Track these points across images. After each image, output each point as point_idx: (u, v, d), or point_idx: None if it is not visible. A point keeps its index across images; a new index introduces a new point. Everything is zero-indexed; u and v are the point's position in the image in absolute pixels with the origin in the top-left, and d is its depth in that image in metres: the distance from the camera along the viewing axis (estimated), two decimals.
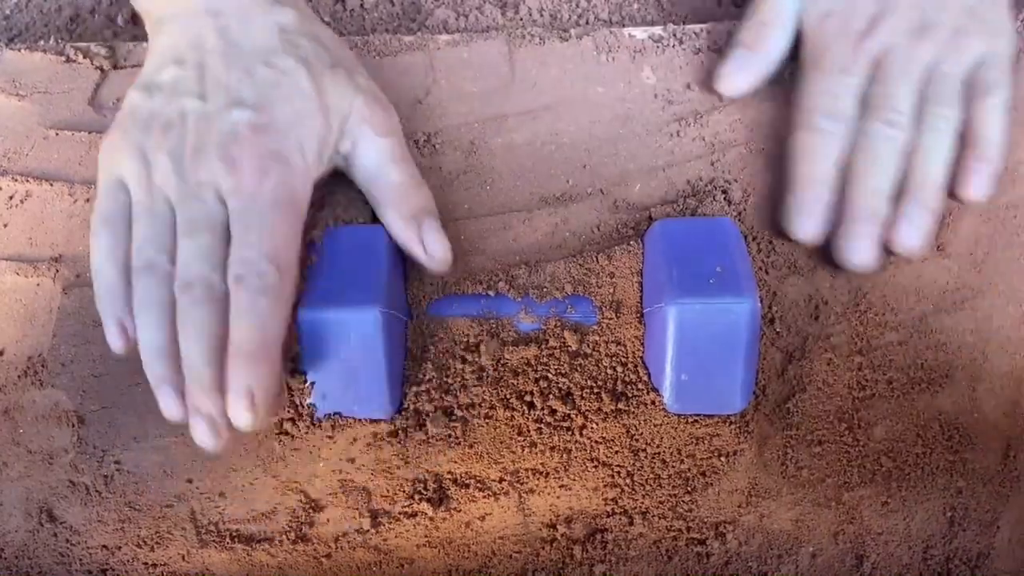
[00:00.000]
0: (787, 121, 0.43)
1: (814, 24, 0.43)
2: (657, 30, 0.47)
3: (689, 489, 0.40)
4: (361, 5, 0.51)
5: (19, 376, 0.42)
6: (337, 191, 0.43)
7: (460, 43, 0.46)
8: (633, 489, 0.40)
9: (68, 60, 0.47)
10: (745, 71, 0.44)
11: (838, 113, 0.41)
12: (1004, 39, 0.42)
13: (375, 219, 0.42)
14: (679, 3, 0.51)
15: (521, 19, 0.50)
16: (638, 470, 0.40)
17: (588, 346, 0.41)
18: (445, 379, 0.41)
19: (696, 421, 0.40)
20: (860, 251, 0.40)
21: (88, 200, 0.44)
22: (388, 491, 0.40)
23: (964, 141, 0.41)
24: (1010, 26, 0.42)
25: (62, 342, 0.42)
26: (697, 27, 0.47)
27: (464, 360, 0.41)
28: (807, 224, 0.41)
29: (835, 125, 0.41)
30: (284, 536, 0.40)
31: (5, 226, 0.44)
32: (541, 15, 0.50)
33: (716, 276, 0.38)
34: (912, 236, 0.40)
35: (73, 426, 0.41)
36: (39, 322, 0.42)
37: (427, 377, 0.41)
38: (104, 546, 0.40)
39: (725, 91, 0.44)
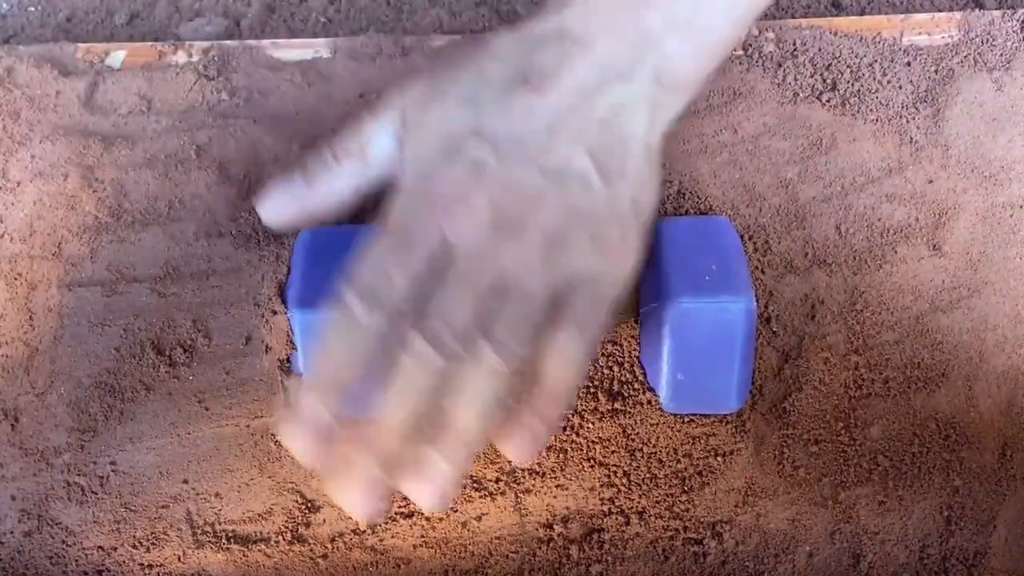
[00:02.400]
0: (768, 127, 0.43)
1: (398, 177, 0.35)
2: None
3: (686, 489, 0.40)
4: (351, 4, 0.51)
5: (16, 376, 0.42)
6: None
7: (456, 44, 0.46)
8: (630, 489, 0.40)
9: (65, 60, 0.47)
10: (286, 204, 0.38)
11: (383, 301, 0.32)
12: (615, 263, 0.34)
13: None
14: None
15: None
16: (634, 470, 0.40)
17: None
18: None
19: (692, 421, 0.40)
20: (348, 502, 0.33)
21: (86, 200, 0.44)
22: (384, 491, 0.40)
23: (526, 379, 0.33)
24: (631, 250, 0.34)
25: (60, 342, 0.42)
26: None
27: None
28: (298, 441, 0.33)
29: (373, 317, 0.32)
30: (280, 537, 0.40)
31: (3, 226, 0.44)
32: None
33: (712, 275, 0.38)
34: (428, 491, 0.32)
35: (69, 427, 0.41)
36: (37, 322, 0.42)
37: None
38: (100, 547, 0.40)
39: (263, 217, 0.39)
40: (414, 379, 0.32)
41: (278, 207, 0.38)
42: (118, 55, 0.47)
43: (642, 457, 0.40)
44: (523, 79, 0.34)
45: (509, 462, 0.40)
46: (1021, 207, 0.44)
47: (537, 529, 0.40)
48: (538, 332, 0.32)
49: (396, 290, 0.32)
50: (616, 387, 0.40)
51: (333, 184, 0.37)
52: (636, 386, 0.40)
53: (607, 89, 0.34)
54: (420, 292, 0.32)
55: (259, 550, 0.40)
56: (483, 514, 0.40)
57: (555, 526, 0.40)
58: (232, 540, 0.40)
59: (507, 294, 0.32)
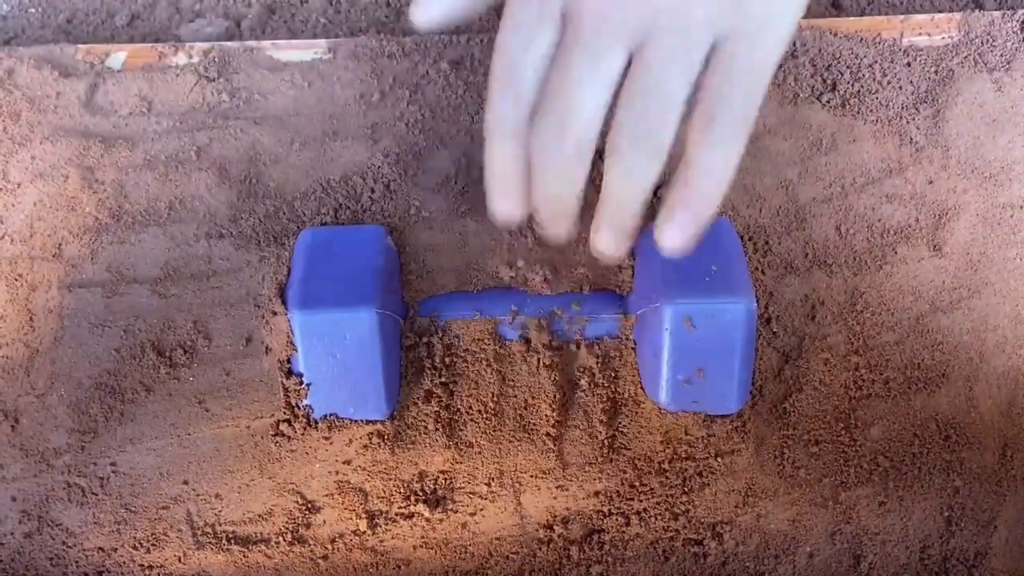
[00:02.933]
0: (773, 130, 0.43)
1: None
2: None
3: (686, 489, 0.40)
4: (351, 5, 0.51)
5: (16, 377, 0.42)
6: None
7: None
8: (630, 489, 0.40)
9: (65, 62, 0.47)
10: (438, 2, 0.34)
11: (519, 93, 0.30)
12: (759, 24, 0.29)
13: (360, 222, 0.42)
14: None
15: None
16: (634, 470, 0.40)
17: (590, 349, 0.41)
18: (441, 380, 0.41)
19: (693, 421, 0.39)
20: (598, 243, 0.33)
21: (86, 201, 0.44)
22: (385, 492, 0.40)
23: (676, 167, 0.31)
24: (779, 9, 0.29)
25: (60, 344, 0.42)
26: None
27: (462, 360, 0.41)
28: (498, 218, 0.32)
29: (515, 110, 0.31)
30: (280, 538, 0.40)
31: (3, 227, 0.44)
32: None
33: (712, 276, 0.38)
34: (598, 249, 0.32)
35: (69, 428, 0.41)
36: (38, 323, 0.42)
37: (423, 378, 0.41)
38: (100, 548, 0.40)
39: (415, 20, 0.34)
40: (553, 165, 0.30)
41: (427, 7, 0.33)
42: (118, 56, 0.47)
43: (642, 458, 0.40)
44: None
45: (510, 463, 0.40)
46: (1021, 208, 0.44)
47: (537, 530, 0.40)
48: (683, 111, 0.29)
49: (527, 79, 0.30)
50: (616, 388, 0.40)
51: None
52: (636, 387, 0.40)
53: None
54: (548, 79, 0.30)
55: (259, 551, 0.40)
56: (483, 515, 0.40)
57: (555, 527, 0.40)
58: (232, 541, 0.40)
59: (638, 77, 0.29)
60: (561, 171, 0.31)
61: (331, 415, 0.40)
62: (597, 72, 0.29)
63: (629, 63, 0.29)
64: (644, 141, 0.29)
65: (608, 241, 0.32)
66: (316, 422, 0.40)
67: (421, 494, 0.40)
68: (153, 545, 0.40)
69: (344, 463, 0.40)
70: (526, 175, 0.31)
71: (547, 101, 0.30)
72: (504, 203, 0.32)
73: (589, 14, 0.28)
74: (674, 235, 0.31)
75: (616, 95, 0.30)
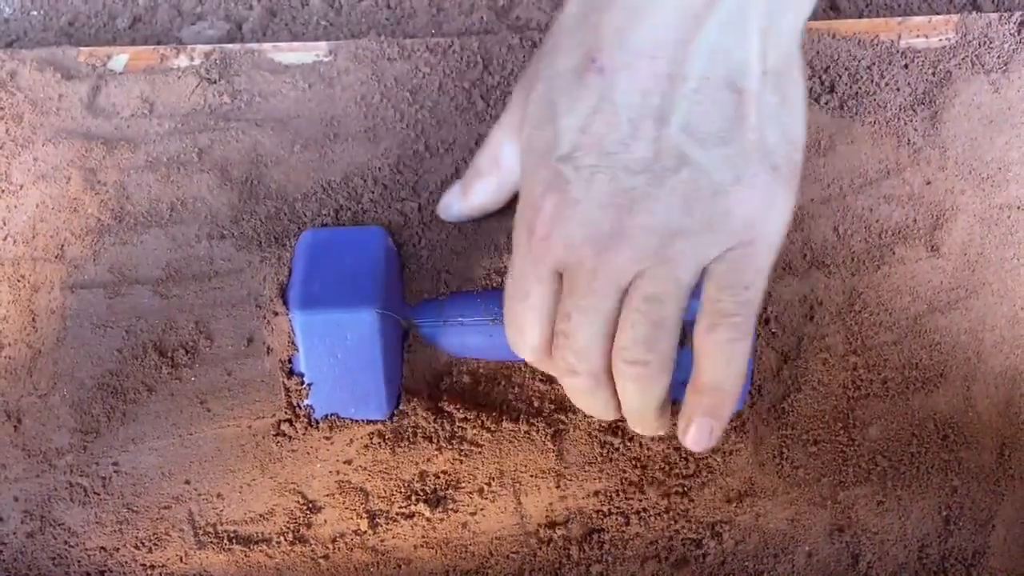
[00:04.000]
0: None
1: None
2: None
3: (685, 489, 0.40)
4: (352, 7, 0.52)
5: (19, 378, 0.42)
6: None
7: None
8: (629, 489, 0.40)
9: (67, 64, 0.47)
10: (456, 209, 0.41)
11: (529, 344, 0.35)
12: (756, 230, 0.31)
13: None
14: None
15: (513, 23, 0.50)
16: (634, 470, 0.40)
17: None
18: (442, 380, 0.41)
19: None
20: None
21: (89, 203, 0.44)
22: (385, 492, 0.40)
23: (691, 376, 0.33)
24: (780, 207, 0.32)
25: (62, 344, 0.42)
26: None
27: (461, 360, 0.41)
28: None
29: (529, 355, 0.35)
30: (282, 537, 0.40)
31: (6, 228, 0.44)
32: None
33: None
34: (645, 436, 0.37)
35: (71, 428, 0.41)
36: (40, 324, 0.43)
37: (424, 378, 0.41)
38: (102, 548, 0.40)
39: (442, 216, 0.42)
40: (581, 399, 0.35)
41: (448, 211, 0.42)
42: (120, 58, 0.47)
43: (641, 457, 0.40)
44: (589, 58, 0.31)
45: (510, 462, 0.40)
46: (1019, 208, 0.44)
47: (538, 529, 0.40)
48: (679, 329, 0.32)
49: (534, 332, 0.34)
50: None
51: (483, 192, 0.40)
52: None
53: (693, 29, 0.29)
54: (556, 323, 0.33)
55: (261, 550, 0.40)
56: (484, 515, 0.40)
57: (555, 526, 0.40)
58: (234, 540, 0.40)
59: (630, 307, 0.31)
60: (585, 398, 0.35)
61: (332, 415, 0.40)
62: (595, 316, 0.32)
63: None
64: (643, 368, 0.32)
65: (645, 433, 0.36)
66: (317, 422, 0.40)
67: (422, 494, 0.40)
68: (155, 545, 0.40)
69: (345, 463, 0.40)
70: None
71: (557, 344, 0.33)
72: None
73: (582, 273, 0.31)
74: (696, 438, 0.34)
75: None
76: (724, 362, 0.32)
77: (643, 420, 0.35)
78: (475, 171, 0.40)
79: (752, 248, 0.31)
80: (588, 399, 0.35)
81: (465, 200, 0.41)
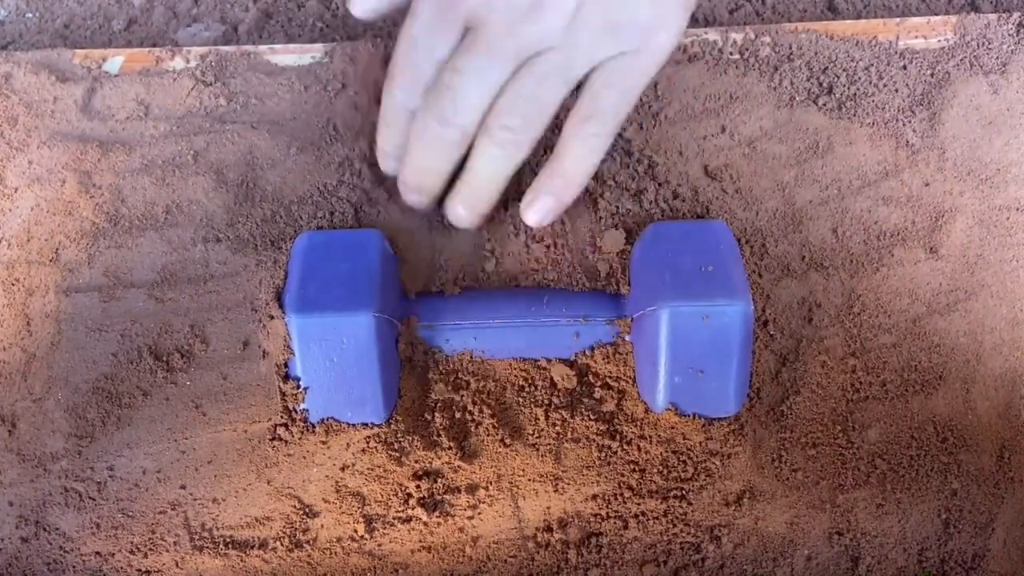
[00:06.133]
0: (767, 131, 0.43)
1: None
2: None
3: (684, 492, 0.40)
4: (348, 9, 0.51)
5: (13, 382, 0.42)
6: None
7: None
8: (627, 492, 0.40)
9: (62, 66, 0.47)
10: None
11: (416, 87, 0.36)
12: (647, 43, 0.35)
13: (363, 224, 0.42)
14: None
15: None
16: (632, 473, 0.40)
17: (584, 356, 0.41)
18: (439, 383, 0.41)
19: (690, 424, 0.39)
20: (408, 215, 0.40)
21: (84, 206, 0.44)
22: (382, 496, 0.40)
23: (549, 159, 0.37)
24: (669, 29, 0.35)
25: (57, 348, 0.42)
26: None
27: (459, 364, 0.41)
28: (383, 168, 0.41)
29: (412, 101, 0.36)
30: (278, 542, 0.40)
31: (0, 231, 0.44)
32: None
33: (709, 278, 0.38)
34: (460, 219, 0.39)
35: (66, 433, 0.41)
36: (35, 328, 0.42)
37: (421, 382, 0.41)
38: (97, 553, 0.40)
39: (352, 10, 0.41)
40: (429, 150, 0.36)
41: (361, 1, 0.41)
42: (116, 61, 0.47)
43: (639, 461, 0.40)
44: None
45: (507, 466, 0.40)
46: (1017, 210, 0.44)
47: (535, 533, 0.40)
48: (553, 116, 0.34)
49: (426, 77, 0.35)
50: (613, 391, 0.40)
51: None
52: (633, 390, 0.40)
53: None
54: (442, 74, 0.35)
55: (257, 555, 0.40)
56: (481, 519, 0.40)
57: (553, 530, 0.40)
58: (230, 545, 0.40)
59: (522, 79, 0.34)
60: (438, 151, 0.36)
61: (328, 419, 0.40)
62: (488, 77, 0.34)
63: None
64: (511, 135, 0.35)
65: (460, 213, 0.38)
66: (313, 426, 0.40)
67: (419, 498, 0.40)
68: (150, 550, 0.40)
69: (342, 467, 0.40)
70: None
71: (439, 92, 0.35)
72: (389, 164, 0.39)
73: (491, 29, 0.33)
74: (535, 212, 0.37)
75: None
76: (585, 152, 0.36)
77: (476, 196, 0.37)
78: None
79: (640, 57, 0.35)
80: (434, 157, 0.36)
81: None
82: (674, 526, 0.40)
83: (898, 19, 0.48)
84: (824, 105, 0.45)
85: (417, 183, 0.38)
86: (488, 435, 0.40)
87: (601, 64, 0.34)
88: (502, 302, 0.42)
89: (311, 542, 0.40)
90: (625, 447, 0.40)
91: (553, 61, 0.34)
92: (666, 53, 0.36)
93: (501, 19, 0.33)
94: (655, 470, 0.40)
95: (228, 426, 0.41)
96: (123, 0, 0.53)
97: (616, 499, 0.40)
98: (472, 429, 0.40)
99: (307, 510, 0.40)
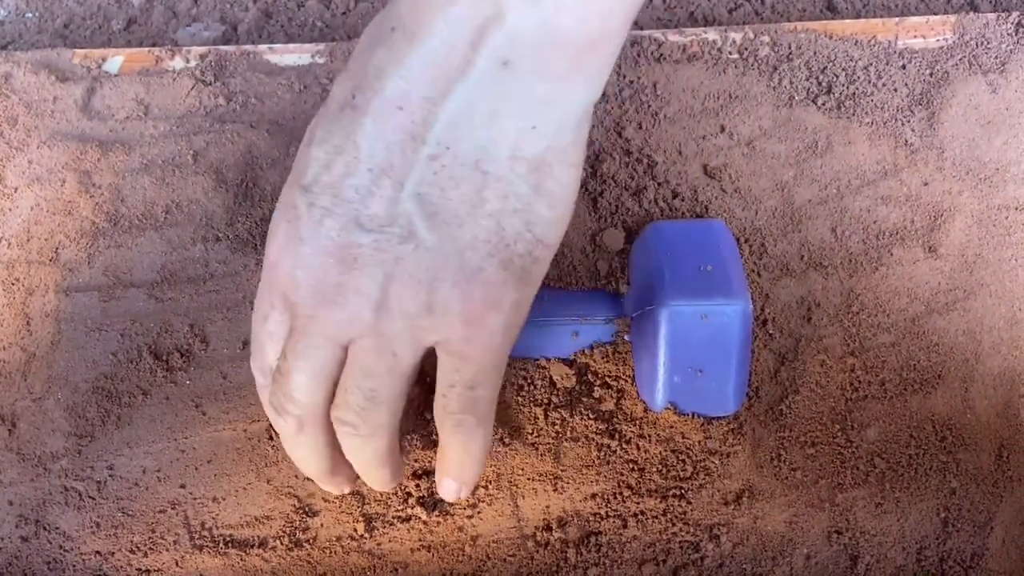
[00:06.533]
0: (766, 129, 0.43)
1: None
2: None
3: (683, 491, 0.40)
4: (348, 9, 0.51)
5: (13, 381, 0.42)
6: None
7: None
8: (626, 491, 0.40)
9: (62, 66, 0.47)
10: None
11: (264, 369, 0.33)
12: (478, 321, 0.29)
13: None
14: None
15: None
16: (631, 472, 0.40)
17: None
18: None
19: (689, 423, 0.40)
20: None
21: (83, 205, 0.44)
22: (382, 495, 0.40)
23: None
24: (502, 303, 0.30)
25: (57, 348, 0.42)
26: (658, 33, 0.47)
27: None
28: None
29: (264, 381, 0.33)
30: (278, 541, 0.40)
31: (0, 231, 0.44)
32: None
33: (708, 278, 0.38)
34: (374, 485, 0.36)
35: (66, 432, 0.41)
36: (35, 327, 0.42)
37: (420, 381, 0.41)
38: (97, 552, 0.40)
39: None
40: (287, 443, 0.34)
41: None
42: (115, 60, 0.47)
43: (638, 460, 0.40)
44: (351, 93, 0.28)
45: (507, 465, 0.40)
46: (1016, 209, 0.44)
47: (534, 532, 0.40)
48: (397, 403, 0.31)
49: (271, 357, 0.32)
50: (612, 390, 0.40)
51: None
52: (632, 389, 0.40)
53: (443, 89, 0.27)
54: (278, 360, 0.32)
55: (257, 554, 0.40)
56: (481, 518, 0.40)
57: (552, 529, 0.40)
58: (230, 544, 0.40)
59: (351, 366, 0.30)
60: (290, 445, 0.34)
61: None
62: (310, 364, 0.30)
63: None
64: (352, 429, 0.31)
65: (373, 483, 0.35)
66: None
67: (418, 497, 0.40)
68: (150, 549, 0.40)
69: None
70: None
71: (273, 377, 0.32)
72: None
73: (301, 318, 0.30)
74: (445, 492, 0.35)
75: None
76: (459, 446, 0.32)
77: (365, 474, 0.34)
78: None
79: (472, 345, 0.30)
80: (290, 444, 0.33)
81: None
82: (673, 525, 0.40)
83: (897, 19, 0.48)
84: (823, 105, 0.46)
85: (304, 465, 0.35)
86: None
87: (440, 353, 0.30)
88: None
89: (311, 541, 0.40)
90: (624, 446, 0.40)
91: (371, 350, 0.29)
92: (503, 336, 0.31)
93: (308, 304, 0.29)
94: (654, 469, 0.40)
95: (228, 425, 0.41)
96: (123, 0, 0.53)
97: (615, 498, 0.40)
98: None
99: (307, 509, 0.40)
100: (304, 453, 0.34)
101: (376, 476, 0.34)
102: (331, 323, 0.29)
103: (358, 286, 0.29)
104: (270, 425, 0.40)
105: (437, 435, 0.40)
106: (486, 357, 0.30)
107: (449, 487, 0.35)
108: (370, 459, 0.33)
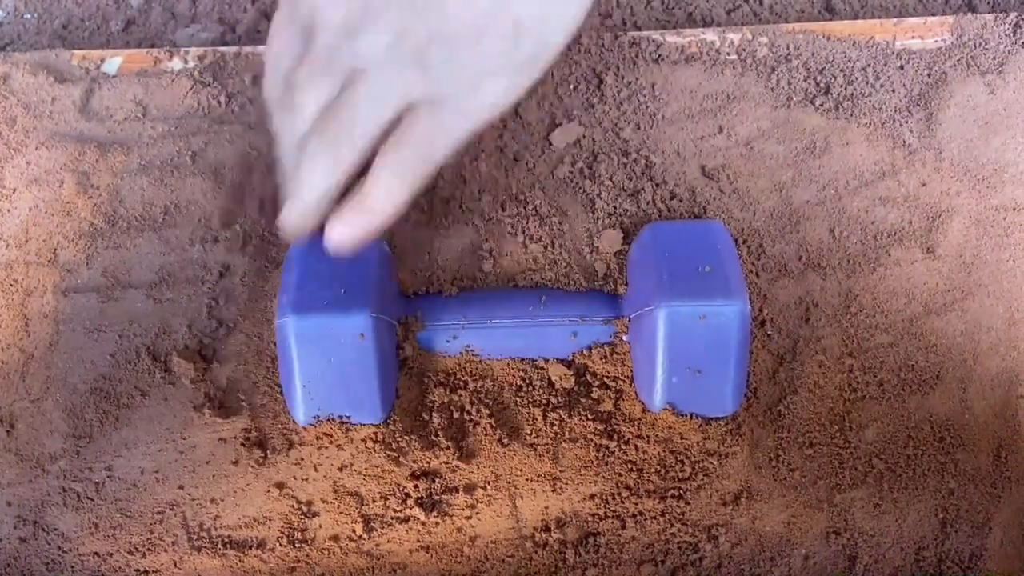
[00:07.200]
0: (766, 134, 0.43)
1: None
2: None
3: (681, 492, 0.40)
4: None
5: (11, 382, 0.42)
6: None
7: None
8: (625, 492, 0.40)
9: (60, 67, 0.47)
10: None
11: (273, 102, 0.36)
12: (475, 93, 0.33)
13: None
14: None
15: None
16: (629, 473, 0.40)
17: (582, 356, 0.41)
18: (436, 383, 0.41)
19: (688, 423, 0.40)
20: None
21: (82, 206, 0.44)
22: (380, 496, 0.40)
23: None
24: (499, 88, 0.33)
25: (55, 348, 0.42)
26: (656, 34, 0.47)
27: (457, 364, 0.41)
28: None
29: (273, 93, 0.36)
30: (276, 542, 0.40)
31: (0, 232, 0.44)
32: None
33: (706, 278, 0.38)
34: (287, 227, 0.36)
35: (64, 433, 0.41)
36: (33, 328, 0.42)
37: (418, 382, 0.41)
38: (96, 553, 0.40)
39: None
40: (287, 135, 0.35)
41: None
42: (114, 62, 0.47)
43: (637, 460, 0.40)
44: None
45: (505, 466, 0.40)
46: (1014, 209, 0.44)
47: (533, 533, 0.40)
48: (373, 140, 0.33)
49: (280, 76, 0.35)
50: (611, 390, 0.40)
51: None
52: (631, 389, 0.40)
53: None
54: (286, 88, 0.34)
55: (255, 555, 0.40)
56: (479, 519, 0.40)
57: (551, 530, 0.40)
58: (228, 545, 0.40)
59: (344, 94, 0.33)
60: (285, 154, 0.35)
61: (327, 419, 0.40)
62: (320, 89, 0.33)
63: None
64: (326, 153, 0.33)
65: (289, 221, 0.35)
66: (312, 426, 0.40)
67: (416, 498, 0.40)
68: (149, 550, 0.40)
69: (340, 467, 0.40)
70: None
71: (284, 103, 0.35)
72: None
73: (319, 40, 0.33)
74: (339, 233, 0.35)
75: None
76: (381, 186, 0.34)
77: (299, 206, 0.35)
78: None
79: (465, 104, 0.33)
80: (288, 156, 0.35)
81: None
82: (672, 526, 0.40)
83: (895, 20, 0.48)
84: (821, 105, 0.46)
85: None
86: (486, 435, 0.40)
87: (413, 107, 0.33)
88: (500, 302, 0.42)
89: (309, 542, 0.40)
90: (623, 447, 0.40)
91: (367, 81, 0.32)
92: (487, 111, 0.33)
93: (330, 31, 0.33)
94: (653, 470, 0.40)
95: (226, 426, 0.41)
96: (121, 1, 0.53)
97: (614, 499, 0.40)
98: (470, 429, 0.40)
99: (305, 510, 0.40)
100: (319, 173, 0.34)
101: (309, 211, 0.35)
102: (344, 52, 0.32)
103: (390, 19, 0.31)
104: (269, 426, 0.40)
105: (436, 434, 0.40)
106: (462, 119, 0.33)
107: (344, 230, 0.34)
108: (320, 190, 0.34)
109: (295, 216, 0.35)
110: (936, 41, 0.47)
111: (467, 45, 0.32)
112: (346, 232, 0.34)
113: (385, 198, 0.34)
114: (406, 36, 0.32)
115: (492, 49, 0.32)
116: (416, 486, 0.40)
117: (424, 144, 0.33)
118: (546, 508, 0.40)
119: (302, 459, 0.40)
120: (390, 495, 0.40)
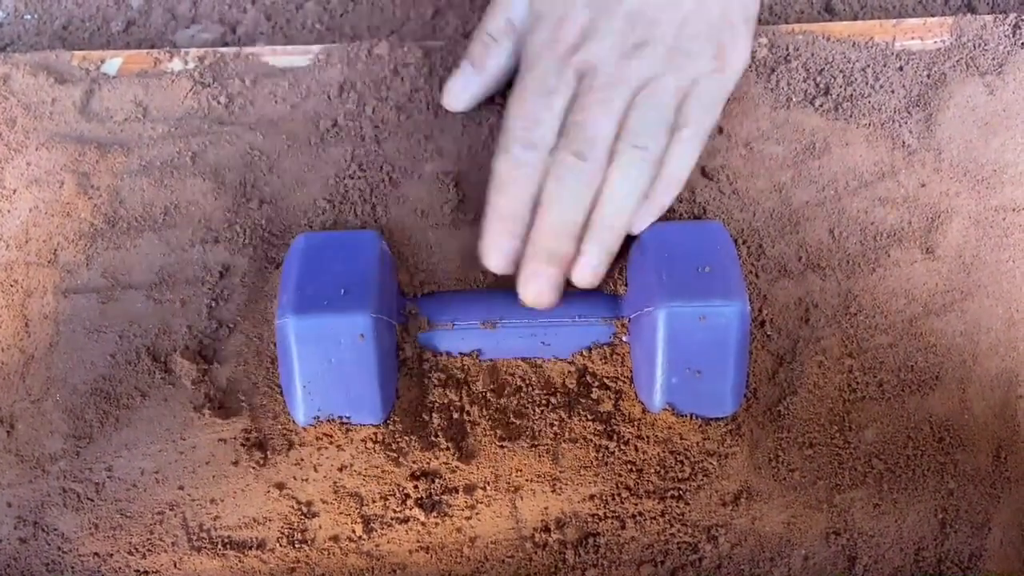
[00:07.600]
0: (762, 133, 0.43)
1: (527, 36, 0.41)
2: None
3: (681, 492, 0.40)
4: (346, 11, 0.52)
5: (11, 383, 0.42)
6: None
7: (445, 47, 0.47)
8: (624, 493, 0.40)
9: (60, 68, 0.47)
10: (468, 90, 0.43)
11: (536, 141, 0.39)
12: (727, 62, 0.40)
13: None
14: None
15: None
16: (629, 474, 0.40)
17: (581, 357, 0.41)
18: (436, 384, 0.41)
19: (687, 424, 0.40)
20: (530, 292, 0.39)
21: (82, 207, 0.44)
22: (380, 496, 0.40)
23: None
24: (741, 50, 0.41)
25: (55, 349, 0.42)
26: None
27: (456, 365, 0.41)
28: (494, 259, 0.40)
29: (531, 155, 0.39)
30: (276, 543, 0.40)
31: (0, 232, 0.44)
32: None
33: (706, 279, 0.38)
34: (585, 275, 0.40)
35: (64, 433, 0.41)
36: (33, 329, 0.42)
37: (418, 382, 0.41)
38: (96, 553, 0.40)
39: (449, 106, 0.44)
40: (568, 188, 0.38)
41: (459, 95, 0.44)
42: (114, 62, 0.47)
43: (636, 461, 0.40)
44: None
45: (505, 466, 0.40)
46: (1013, 211, 0.44)
47: (533, 534, 0.40)
48: (669, 130, 0.39)
49: (546, 129, 0.39)
50: (610, 391, 0.40)
51: (497, 62, 0.43)
52: (630, 390, 0.40)
53: None
54: (565, 123, 0.39)
55: (255, 556, 0.40)
56: (479, 519, 0.40)
57: (551, 531, 0.40)
58: (228, 546, 0.40)
59: (641, 105, 0.38)
60: (575, 194, 0.39)
61: (327, 419, 0.40)
62: (613, 107, 0.38)
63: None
64: (644, 152, 0.39)
65: (590, 260, 0.40)
66: (312, 426, 0.40)
67: (416, 498, 0.40)
68: (149, 550, 0.40)
69: (339, 468, 0.40)
70: (528, 218, 0.39)
71: (569, 132, 0.39)
72: (505, 241, 0.40)
73: (602, 71, 0.39)
74: (643, 219, 0.41)
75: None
76: (688, 152, 0.41)
77: (609, 231, 0.39)
78: (485, 41, 0.42)
79: (726, 77, 0.41)
80: (577, 199, 0.39)
81: (479, 75, 0.43)
82: (671, 526, 0.40)
83: (894, 20, 0.48)
84: (821, 106, 0.46)
85: (552, 244, 0.39)
86: (486, 435, 0.40)
87: (694, 81, 0.39)
88: (500, 302, 0.42)
89: (309, 542, 0.40)
90: (622, 447, 0.40)
91: (663, 84, 0.39)
92: (740, 71, 0.42)
93: (610, 62, 0.38)
94: (652, 470, 0.40)
95: (226, 427, 0.41)
96: (121, 2, 0.53)
97: (613, 499, 0.40)
98: (469, 429, 0.40)
99: (305, 510, 0.40)
100: (579, 208, 0.39)
101: (618, 238, 0.40)
102: (632, 71, 0.38)
103: (661, 35, 0.39)
104: (269, 427, 0.40)
105: (436, 435, 0.40)
106: (725, 87, 0.41)
107: (651, 207, 0.41)
108: (636, 199, 0.40)
109: (600, 249, 0.40)
110: (935, 42, 0.47)
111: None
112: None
113: (682, 169, 0.40)
114: (683, 37, 0.39)
115: (737, 27, 0.40)
116: (416, 486, 0.40)
117: (701, 115, 0.40)
118: (546, 508, 0.40)
119: (302, 459, 0.40)
120: (390, 495, 0.40)
